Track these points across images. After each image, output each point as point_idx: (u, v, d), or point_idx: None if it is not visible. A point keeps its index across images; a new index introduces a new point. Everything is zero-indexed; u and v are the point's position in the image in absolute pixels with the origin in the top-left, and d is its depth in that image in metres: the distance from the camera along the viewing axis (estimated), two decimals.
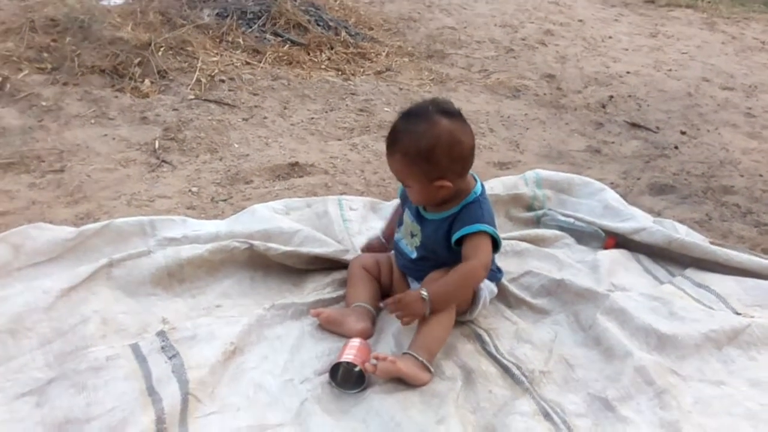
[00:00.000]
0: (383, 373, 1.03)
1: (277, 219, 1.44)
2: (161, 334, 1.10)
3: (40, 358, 1.05)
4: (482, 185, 1.20)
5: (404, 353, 1.07)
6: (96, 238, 1.29)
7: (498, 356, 1.14)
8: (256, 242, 1.30)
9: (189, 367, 1.02)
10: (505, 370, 1.11)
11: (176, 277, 1.24)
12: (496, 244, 1.15)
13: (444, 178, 1.11)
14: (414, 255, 1.20)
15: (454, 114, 1.13)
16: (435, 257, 1.17)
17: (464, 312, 1.20)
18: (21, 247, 1.25)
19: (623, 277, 1.41)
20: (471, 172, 1.19)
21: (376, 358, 1.03)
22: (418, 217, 1.20)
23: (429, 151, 1.09)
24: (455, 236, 1.12)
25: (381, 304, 1.17)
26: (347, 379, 1.04)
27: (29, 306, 1.11)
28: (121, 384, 0.99)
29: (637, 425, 1.00)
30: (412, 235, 1.21)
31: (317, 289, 1.28)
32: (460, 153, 1.11)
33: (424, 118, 1.11)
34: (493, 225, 1.14)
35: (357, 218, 1.53)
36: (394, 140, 1.13)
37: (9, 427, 0.93)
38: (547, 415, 1.02)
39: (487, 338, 1.19)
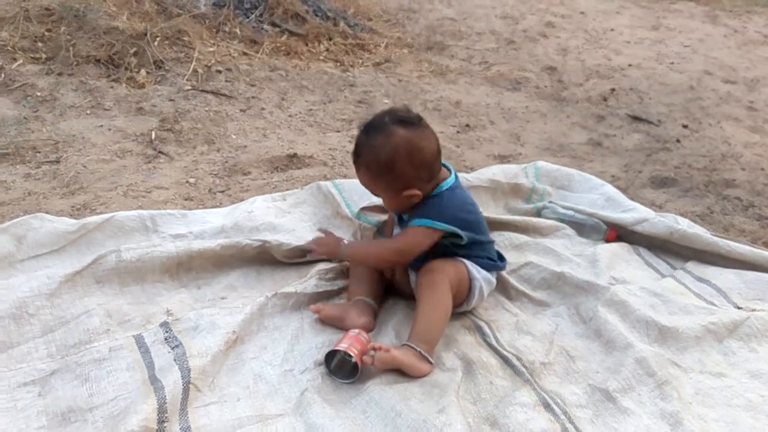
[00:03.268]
0: (381, 364, 1.03)
1: (278, 212, 1.43)
2: (165, 325, 1.10)
3: (42, 348, 1.04)
4: (456, 177, 1.18)
5: (403, 345, 1.07)
6: (98, 231, 1.29)
7: (498, 348, 1.14)
8: (269, 239, 1.31)
9: (191, 356, 1.02)
10: (506, 361, 1.11)
11: (184, 266, 1.24)
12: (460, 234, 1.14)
13: (411, 187, 1.11)
14: None
15: (412, 122, 1.12)
16: (428, 252, 1.16)
17: (460, 304, 1.20)
18: (23, 239, 1.24)
19: (624, 270, 1.41)
20: (444, 162, 1.17)
21: (373, 349, 1.02)
22: (401, 221, 1.21)
23: (390, 164, 1.09)
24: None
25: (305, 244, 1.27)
26: (341, 368, 1.04)
27: (33, 291, 1.11)
28: (124, 374, 0.99)
29: (638, 416, 1.00)
30: None
31: (319, 273, 1.28)
32: (422, 160, 1.10)
33: (380, 131, 1.10)
34: (450, 219, 1.12)
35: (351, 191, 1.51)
36: (356, 155, 1.14)
37: (11, 415, 0.92)
38: (547, 406, 1.01)
39: (487, 330, 1.19)
